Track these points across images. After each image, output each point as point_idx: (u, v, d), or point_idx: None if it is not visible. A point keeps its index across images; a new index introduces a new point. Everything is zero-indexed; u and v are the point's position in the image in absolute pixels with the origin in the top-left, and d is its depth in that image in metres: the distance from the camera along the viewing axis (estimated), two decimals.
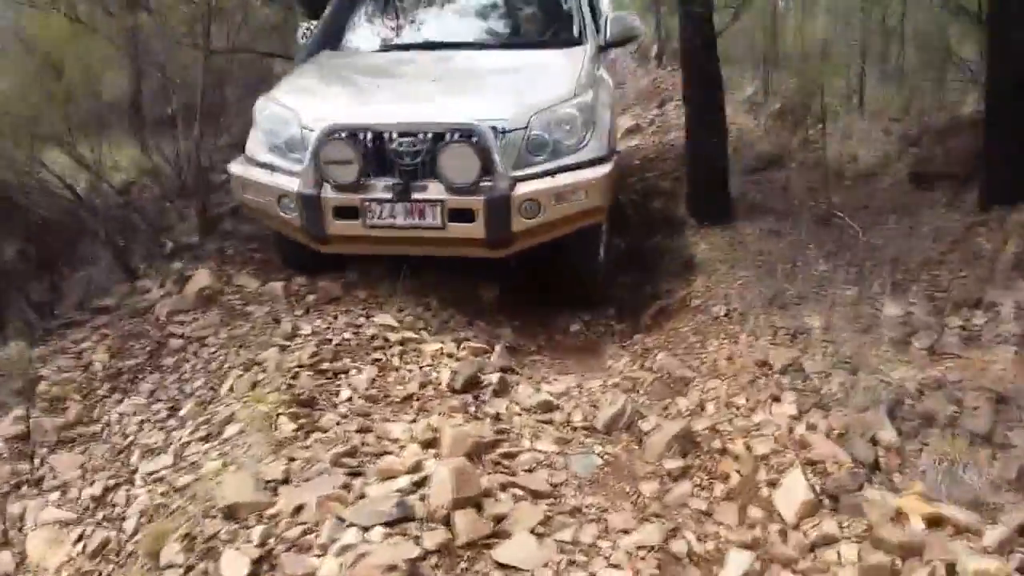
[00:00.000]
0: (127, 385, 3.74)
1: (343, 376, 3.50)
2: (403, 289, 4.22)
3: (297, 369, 3.49)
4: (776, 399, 3.06)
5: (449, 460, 2.66)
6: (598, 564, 2.30)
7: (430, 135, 3.82)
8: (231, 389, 3.49)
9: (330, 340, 3.77)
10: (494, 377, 3.45)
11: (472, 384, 3.39)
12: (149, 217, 5.50)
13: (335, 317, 3.99)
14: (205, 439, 3.21)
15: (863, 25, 8.14)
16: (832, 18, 9.32)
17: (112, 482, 3.04)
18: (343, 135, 3.88)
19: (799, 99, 8.13)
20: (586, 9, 4.98)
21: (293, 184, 4.01)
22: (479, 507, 2.55)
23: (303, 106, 4.20)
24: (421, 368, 3.55)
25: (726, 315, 4.07)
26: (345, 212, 3.96)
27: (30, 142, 4.86)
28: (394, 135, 3.88)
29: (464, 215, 3.83)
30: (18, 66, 5.69)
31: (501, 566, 2.32)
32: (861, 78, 8.05)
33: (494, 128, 3.83)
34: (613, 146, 4.24)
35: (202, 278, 4.46)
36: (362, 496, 2.59)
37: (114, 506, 2.91)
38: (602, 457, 2.90)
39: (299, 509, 2.57)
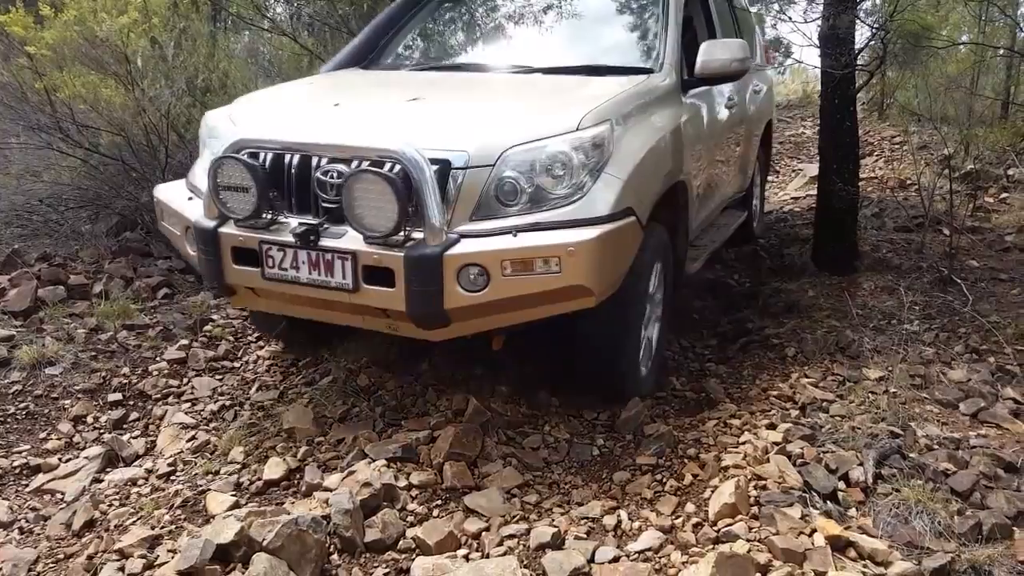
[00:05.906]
0: (271, 336, 4.66)
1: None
2: None
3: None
4: (772, 427, 3.25)
5: (462, 425, 3.21)
6: (542, 523, 2.72)
7: (366, 163, 2.84)
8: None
9: None
10: None
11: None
12: None
13: None
14: (309, 383, 4.01)
15: None
16: None
17: (228, 403, 3.90)
18: (250, 155, 3.01)
19: (994, 163, 7.71)
20: (672, 37, 4.00)
21: (198, 213, 3.19)
22: (475, 464, 3.08)
23: (249, 120, 3.40)
24: None
25: (794, 356, 4.21)
26: (245, 256, 3.04)
27: None
28: (322, 161, 2.95)
29: (382, 276, 2.82)
30: None
31: (468, 509, 2.82)
32: None
33: (444, 162, 2.83)
34: (634, 204, 3.03)
35: None
36: (389, 438, 3.21)
37: (223, 420, 3.76)
38: (600, 449, 3.29)
39: (340, 441, 3.25)
